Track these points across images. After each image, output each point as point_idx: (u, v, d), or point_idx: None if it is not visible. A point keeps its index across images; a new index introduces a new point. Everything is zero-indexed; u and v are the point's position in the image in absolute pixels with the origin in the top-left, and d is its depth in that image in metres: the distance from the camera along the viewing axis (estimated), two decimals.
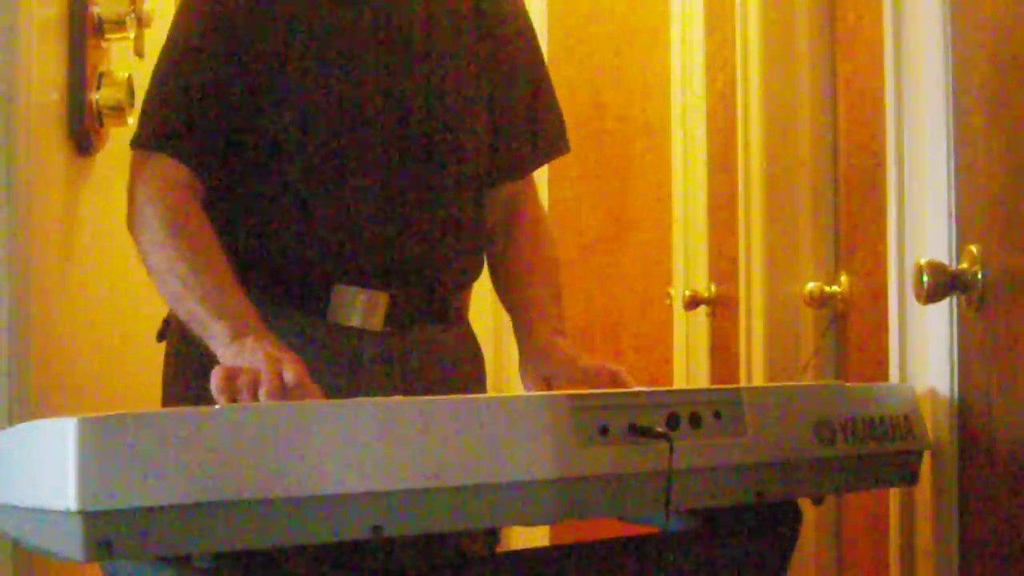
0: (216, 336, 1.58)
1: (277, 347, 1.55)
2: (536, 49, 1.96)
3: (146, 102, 1.77)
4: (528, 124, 1.92)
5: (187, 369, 1.75)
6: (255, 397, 1.47)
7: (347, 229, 1.74)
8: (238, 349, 1.54)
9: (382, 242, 1.75)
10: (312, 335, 1.70)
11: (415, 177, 1.77)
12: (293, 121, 1.72)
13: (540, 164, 1.99)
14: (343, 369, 1.72)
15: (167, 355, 1.82)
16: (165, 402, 1.80)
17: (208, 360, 1.67)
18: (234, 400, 1.47)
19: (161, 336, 1.84)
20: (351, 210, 1.74)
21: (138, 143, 1.75)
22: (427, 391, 1.72)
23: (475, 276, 1.89)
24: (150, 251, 1.67)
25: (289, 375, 1.48)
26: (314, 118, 1.73)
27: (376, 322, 1.75)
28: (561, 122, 1.97)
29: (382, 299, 1.75)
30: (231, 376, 1.48)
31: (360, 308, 1.74)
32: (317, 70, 1.73)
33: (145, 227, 1.68)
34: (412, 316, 1.78)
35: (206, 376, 1.68)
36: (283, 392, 1.46)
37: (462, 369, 1.86)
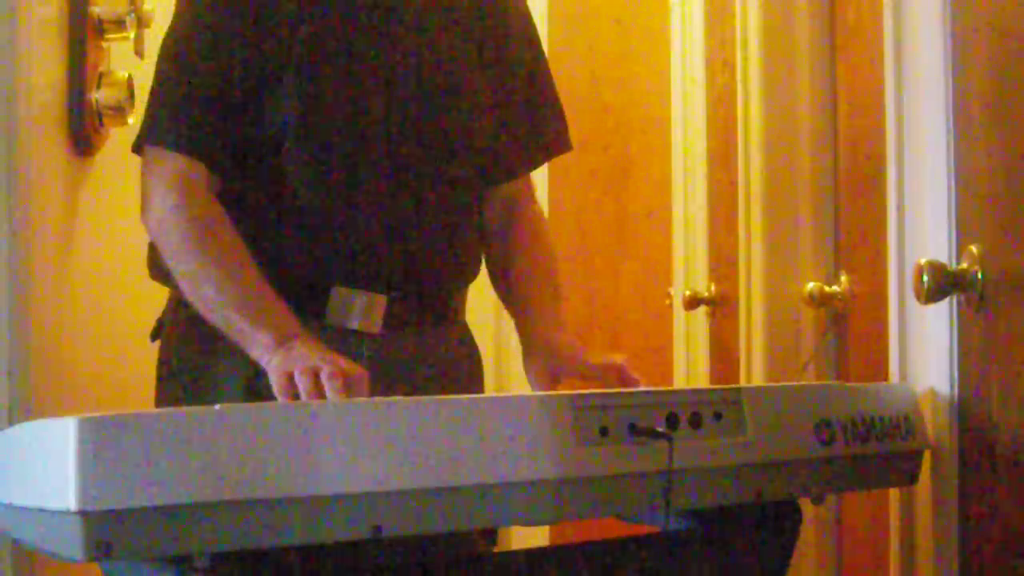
0: (259, 344, 1.58)
1: (324, 348, 1.55)
2: (537, 47, 1.95)
3: (153, 100, 1.75)
4: (528, 122, 1.91)
5: (182, 374, 1.75)
6: (317, 386, 1.48)
7: (345, 231, 1.73)
8: (285, 354, 1.55)
9: (381, 244, 1.75)
10: None
11: (414, 178, 1.77)
12: (292, 121, 1.72)
13: (540, 163, 1.98)
14: None
15: (161, 358, 1.81)
16: (158, 405, 1.79)
17: (204, 366, 1.67)
18: (295, 396, 1.49)
19: (154, 336, 1.84)
20: (349, 212, 1.74)
21: (152, 141, 1.73)
22: (426, 392, 1.72)
23: (473, 276, 1.88)
24: (180, 258, 1.66)
25: (347, 364, 1.49)
26: (312, 118, 1.72)
27: (374, 324, 1.75)
28: (562, 120, 1.96)
29: (380, 301, 1.74)
30: (289, 373, 1.50)
31: (358, 310, 1.74)
32: (316, 69, 1.73)
33: (173, 232, 1.67)
34: (410, 318, 1.77)
35: (201, 382, 1.69)
36: (343, 374, 1.48)
37: (460, 369, 1.86)
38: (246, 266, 1.65)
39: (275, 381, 1.53)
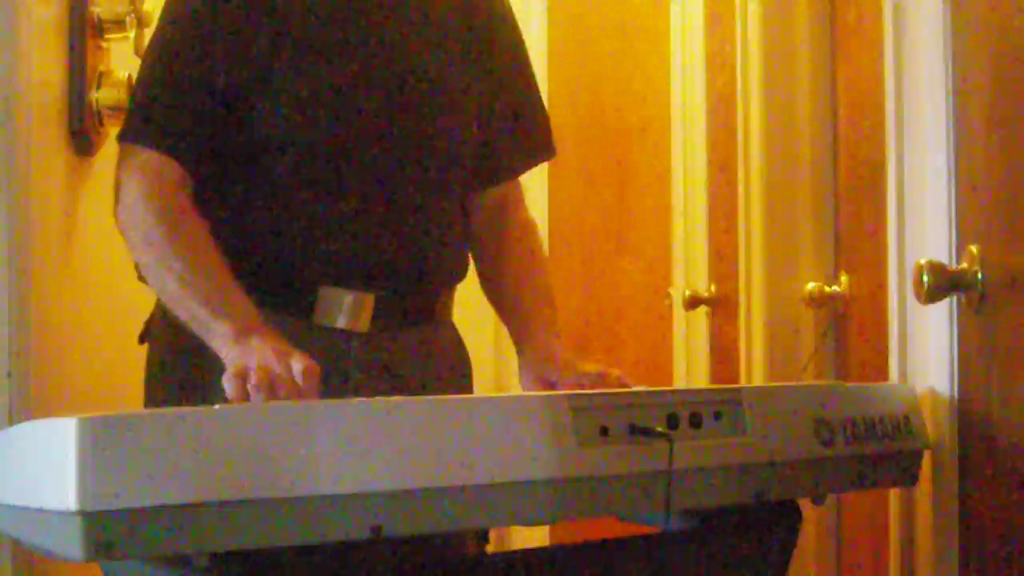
0: (218, 335, 1.58)
1: (281, 342, 1.55)
2: (523, 53, 1.96)
3: (135, 97, 1.77)
4: (515, 128, 1.92)
5: (171, 376, 1.75)
6: (271, 397, 1.47)
7: (333, 230, 1.74)
8: (242, 348, 1.54)
9: (368, 243, 1.75)
10: (298, 337, 1.68)
11: (401, 178, 1.77)
12: (279, 120, 1.72)
13: (525, 169, 1.98)
14: (330, 371, 1.71)
15: (149, 361, 1.81)
16: (147, 407, 1.78)
17: (193, 369, 1.66)
18: (246, 390, 1.48)
19: (143, 339, 1.83)
20: (337, 211, 1.74)
21: (128, 138, 1.73)
22: (414, 391, 1.71)
23: (461, 276, 1.89)
24: (144, 249, 1.67)
25: (302, 364, 1.49)
26: (300, 117, 1.72)
27: (362, 323, 1.75)
28: (547, 125, 1.97)
29: (368, 300, 1.75)
30: (244, 377, 1.48)
31: (346, 310, 1.74)
32: (304, 69, 1.73)
33: (138, 224, 1.67)
34: (398, 317, 1.77)
35: (190, 386, 1.68)
36: (301, 375, 1.48)
37: (449, 369, 1.87)
38: (209, 258, 1.65)
39: (229, 373, 1.51)
